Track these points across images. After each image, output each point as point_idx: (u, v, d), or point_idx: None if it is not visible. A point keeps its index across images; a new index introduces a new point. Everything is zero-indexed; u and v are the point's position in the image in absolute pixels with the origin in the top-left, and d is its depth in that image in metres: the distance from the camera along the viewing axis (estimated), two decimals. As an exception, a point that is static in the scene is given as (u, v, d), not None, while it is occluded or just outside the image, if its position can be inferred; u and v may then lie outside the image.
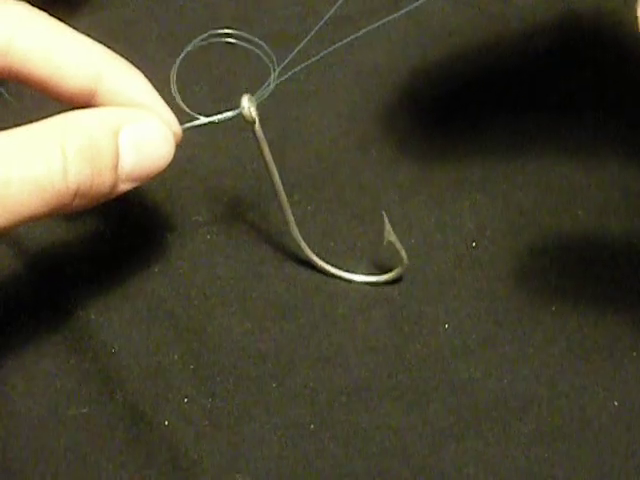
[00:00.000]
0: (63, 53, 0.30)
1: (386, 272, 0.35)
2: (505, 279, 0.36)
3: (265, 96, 0.31)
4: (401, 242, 0.35)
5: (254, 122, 0.31)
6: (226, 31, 0.32)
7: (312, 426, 0.33)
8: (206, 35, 0.31)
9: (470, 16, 0.43)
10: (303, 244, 0.34)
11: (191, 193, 0.38)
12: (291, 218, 0.34)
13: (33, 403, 0.33)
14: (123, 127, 0.29)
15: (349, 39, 0.31)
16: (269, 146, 0.32)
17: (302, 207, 0.37)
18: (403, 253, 0.34)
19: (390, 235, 0.34)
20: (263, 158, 0.32)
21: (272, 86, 0.31)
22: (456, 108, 0.40)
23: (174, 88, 0.31)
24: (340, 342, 0.35)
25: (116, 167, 0.29)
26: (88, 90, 0.30)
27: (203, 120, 0.32)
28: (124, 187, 0.30)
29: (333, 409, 0.33)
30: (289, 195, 0.34)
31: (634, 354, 0.34)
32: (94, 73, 0.30)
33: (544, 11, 0.42)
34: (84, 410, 0.33)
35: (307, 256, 0.35)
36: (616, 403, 0.33)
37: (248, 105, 0.31)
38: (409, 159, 0.39)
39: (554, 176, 0.38)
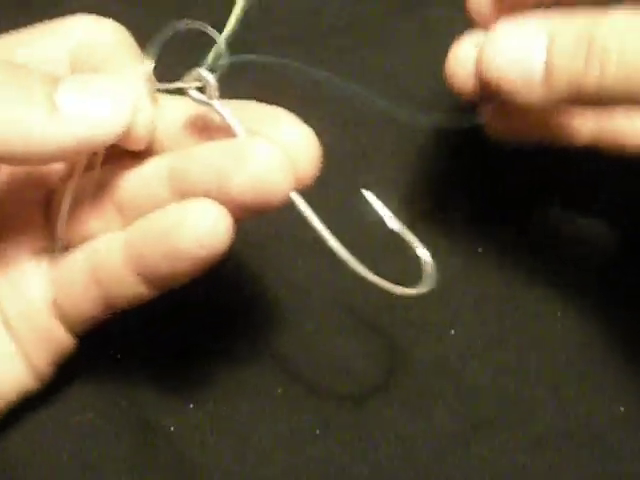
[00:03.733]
0: None
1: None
2: (511, 284, 0.36)
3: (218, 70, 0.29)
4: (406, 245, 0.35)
5: (216, 92, 0.28)
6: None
7: (317, 431, 0.33)
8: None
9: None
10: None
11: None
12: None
13: (38, 409, 0.33)
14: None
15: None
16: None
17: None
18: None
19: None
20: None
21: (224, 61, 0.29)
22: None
23: None
24: (345, 347, 0.35)
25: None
26: None
27: (163, 86, 0.29)
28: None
29: (338, 415, 0.33)
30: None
31: (640, 359, 0.34)
32: None
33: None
34: (89, 416, 0.33)
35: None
36: (622, 408, 0.33)
37: (207, 74, 0.28)
38: (413, 165, 0.39)
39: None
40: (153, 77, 0.29)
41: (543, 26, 0.29)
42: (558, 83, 0.28)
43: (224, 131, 0.28)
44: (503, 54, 0.29)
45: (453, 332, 0.35)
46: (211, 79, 0.28)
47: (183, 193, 0.27)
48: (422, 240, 0.36)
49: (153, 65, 0.29)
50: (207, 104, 0.28)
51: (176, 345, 0.35)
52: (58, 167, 0.31)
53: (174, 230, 0.27)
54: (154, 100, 0.29)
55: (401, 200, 0.37)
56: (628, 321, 0.34)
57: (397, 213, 0.31)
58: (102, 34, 0.29)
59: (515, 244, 0.37)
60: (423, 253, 0.31)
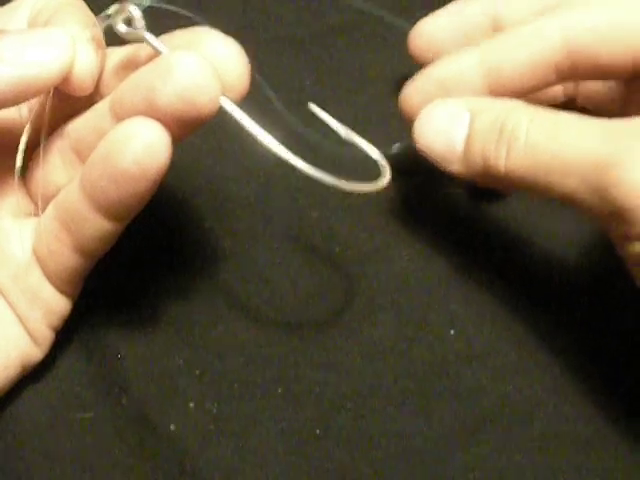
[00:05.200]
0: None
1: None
2: (510, 285, 0.36)
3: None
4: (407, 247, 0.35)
5: (142, 22, 0.29)
6: None
7: (318, 431, 0.33)
8: None
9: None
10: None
11: (195, 198, 0.38)
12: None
13: (39, 407, 0.33)
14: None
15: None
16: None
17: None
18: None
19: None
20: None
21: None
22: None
23: None
24: (345, 347, 0.35)
25: None
26: None
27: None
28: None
29: (339, 414, 0.33)
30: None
31: (640, 359, 0.34)
32: None
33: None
34: (90, 414, 0.33)
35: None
36: (622, 409, 0.33)
37: (132, 7, 0.29)
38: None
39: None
40: (97, 26, 0.30)
41: (468, 105, 0.32)
42: (474, 159, 0.31)
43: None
44: (431, 124, 0.32)
45: (453, 332, 0.35)
46: (135, 10, 0.29)
47: (121, 119, 0.28)
48: (421, 239, 0.37)
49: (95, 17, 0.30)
50: (134, 35, 0.29)
51: (176, 345, 0.35)
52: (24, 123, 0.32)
53: (113, 151, 0.28)
54: (99, 47, 0.30)
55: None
56: (628, 322, 0.35)
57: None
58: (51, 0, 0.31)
59: (516, 245, 0.37)
60: (374, 152, 0.32)
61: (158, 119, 0.27)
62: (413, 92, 0.34)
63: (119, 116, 0.29)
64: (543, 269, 0.36)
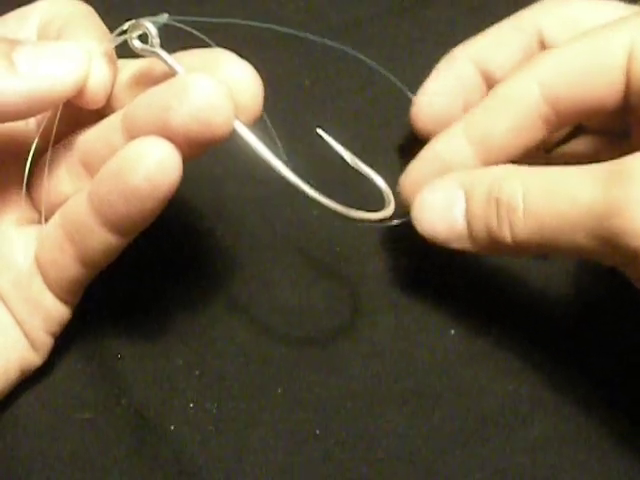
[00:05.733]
0: None
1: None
2: (511, 285, 0.36)
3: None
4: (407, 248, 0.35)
5: (157, 39, 0.30)
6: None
7: (317, 431, 0.33)
8: None
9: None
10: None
11: (195, 199, 0.38)
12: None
13: (39, 408, 0.33)
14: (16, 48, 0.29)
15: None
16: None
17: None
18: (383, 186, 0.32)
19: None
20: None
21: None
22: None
23: None
24: (345, 347, 0.35)
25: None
26: None
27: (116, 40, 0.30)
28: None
29: (338, 414, 0.33)
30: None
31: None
32: None
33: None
34: (90, 415, 0.33)
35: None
36: (622, 409, 0.33)
37: (147, 23, 0.30)
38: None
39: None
40: (111, 41, 0.30)
41: (460, 182, 0.31)
42: (479, 236, 0.31)
43: (167, 79, 0.29)
44: (428, 211, 0.32)
45: (453, 332, 0.35)
46: (151, 27, 0.29)
47: (133, 136, 0.28)
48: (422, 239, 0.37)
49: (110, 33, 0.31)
50: (149, 51, 0.29)
51: (176, 345, 0.35)
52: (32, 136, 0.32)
53: (125, 167, 0.28)
54: (111, 62, 0.30)
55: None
56: (629, 319, 0.34)
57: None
58: (62, 9, 0.32)
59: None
60: (380, 182, 0.32)
61: (170, 138, 0.28)
62: (412, 177, 0.34)
63: (131, 133, 0.29)
64: (543, 269, 0.36)
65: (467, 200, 0.31)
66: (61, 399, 0.34)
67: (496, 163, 0.32)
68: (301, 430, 0.33)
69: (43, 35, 0.32)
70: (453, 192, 0.31)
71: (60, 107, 0.31)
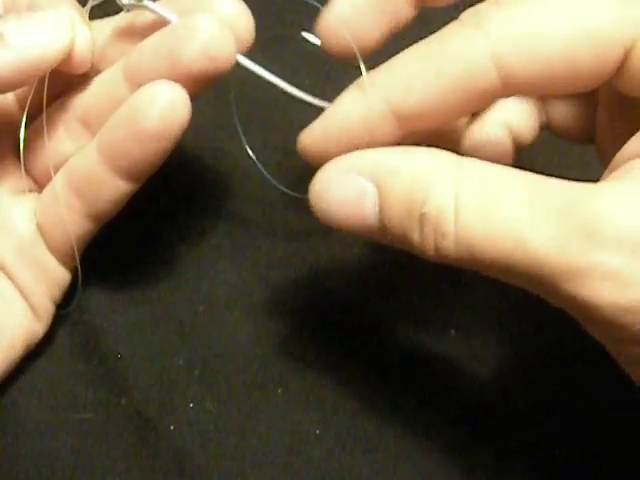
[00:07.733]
0: None
1: None
2: (511, 285, 0.36)
3: None
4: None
5: None
6: None
7: (318, 431, 0.33)
8: None
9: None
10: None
11: (196, 198, 0.38)
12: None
13: (39, 407, 0.33)
14: None
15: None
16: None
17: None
18: None
19: None
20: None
21: None
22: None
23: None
24: (345, 347, 0.34)
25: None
26: None
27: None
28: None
29: (339, 415, 0.33)
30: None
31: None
32: None
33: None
34: (90, 415, 0.33)
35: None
36: (621, 409, 0.33)
37: None
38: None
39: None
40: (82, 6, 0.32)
41: (371, 174, 0.25)
42: (396, 241, 0.26)
43: (155, 28, 0.31)
44: (332, 200, 0.26)
45: (453, 332, 0.35)
46: None
47: (140, 84, 0.30)
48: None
49: None
50: (136, 5, 0.31)
51: (176, 345, 0.35)
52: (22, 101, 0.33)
53: (138, 111, 0.29)
54: (88, 24, 0.32)
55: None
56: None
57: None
58: None
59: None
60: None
61: (178, 80, 0.29)
62: (314, 139, 0.28)
63: (137, 81, 0.30)
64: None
65: (380, 199, 0.25)
66: (61, 399, 0.34)
67: (414, 131, 0.26)
68: (301, 430, 0.33)
69: (10, 7, 0.33)
70: (362, 185, 0.25)
71: (48, 74, 0.32)
